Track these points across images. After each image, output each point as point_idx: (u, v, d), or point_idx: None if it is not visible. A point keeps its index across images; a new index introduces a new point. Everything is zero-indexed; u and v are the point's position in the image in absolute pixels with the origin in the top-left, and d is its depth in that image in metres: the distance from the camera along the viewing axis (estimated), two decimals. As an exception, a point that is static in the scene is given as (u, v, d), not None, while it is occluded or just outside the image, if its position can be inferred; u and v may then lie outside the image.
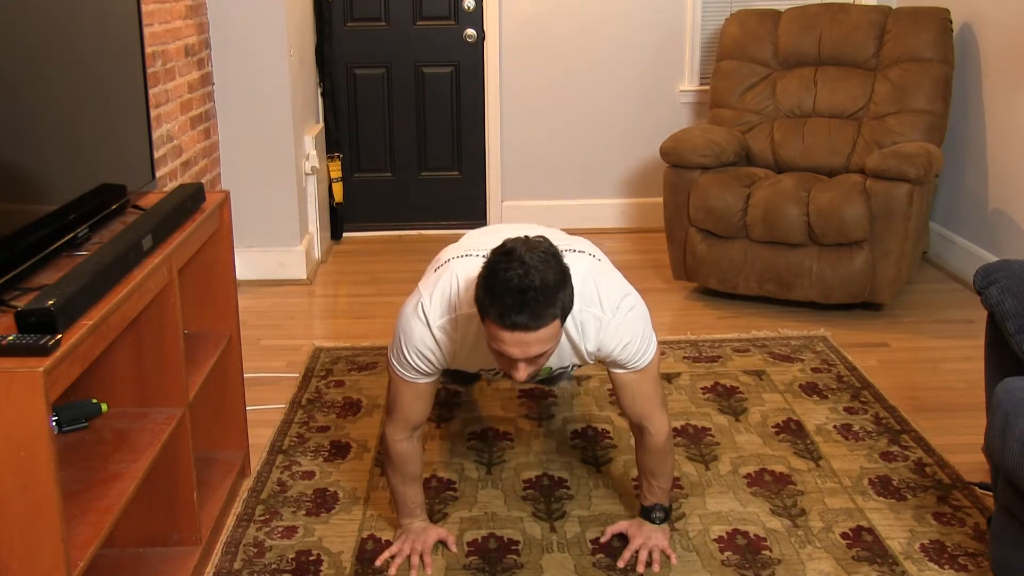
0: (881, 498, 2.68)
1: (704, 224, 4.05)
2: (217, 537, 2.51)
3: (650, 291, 3.94)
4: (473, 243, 2.40)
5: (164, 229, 2.20)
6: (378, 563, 2.42)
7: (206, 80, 4.15)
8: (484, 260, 2.01)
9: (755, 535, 2.52)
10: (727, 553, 2.45)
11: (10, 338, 1.59)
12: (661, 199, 4.35)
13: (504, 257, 1.96)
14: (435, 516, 2.60)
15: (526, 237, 2.02)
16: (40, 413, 1.57)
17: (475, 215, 5.31)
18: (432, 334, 2.22)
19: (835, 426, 3.08)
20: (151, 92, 3.39)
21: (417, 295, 2.28)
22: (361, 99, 5.14)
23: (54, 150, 2.00)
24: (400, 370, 2.30)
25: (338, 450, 2.94)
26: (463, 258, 2.27)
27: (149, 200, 2.46)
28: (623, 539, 2.50)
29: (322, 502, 2.68)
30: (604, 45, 5.09)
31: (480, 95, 5.15)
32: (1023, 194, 4.06)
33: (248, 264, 4.42)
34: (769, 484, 2.76)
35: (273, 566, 2.40)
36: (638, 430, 2.41)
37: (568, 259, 2.07)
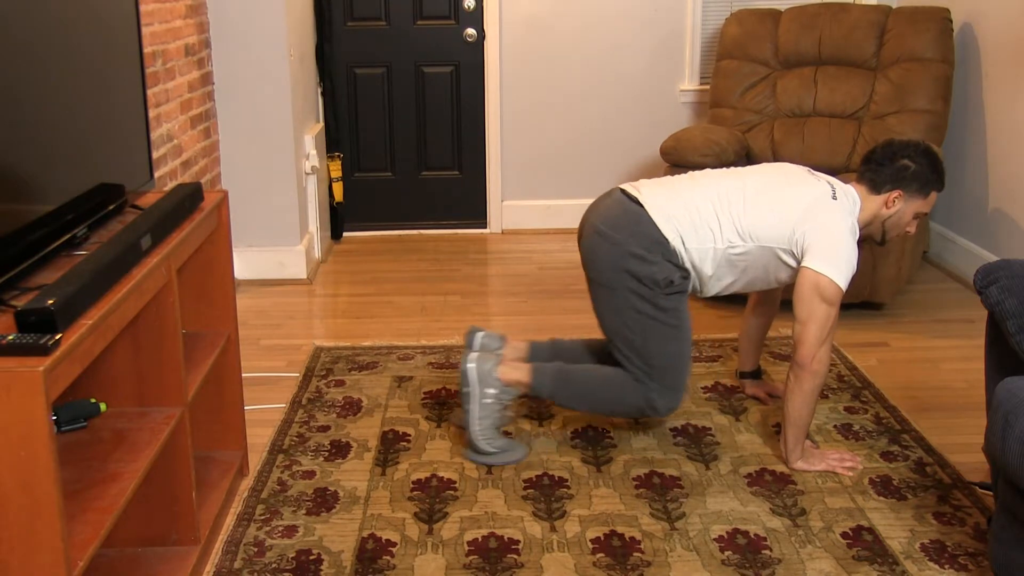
0: (881, 498, 2.68)
1: (704, 224, 4.05)
2: (216, 536, 2.51)
3: (650, 291, 3.93)
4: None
5: (163, 229, 2.20)
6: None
7: (206, 80, 4.15)
8: (913, 156, 2.80)
9: (755, 534, 2.52)
10: (727, 552, 2.45)
11: (10, 338, 1.59)
12: (661, 199, 4.36)
13: (930, 148, 2.85)
14: (435, 515, 2.60)
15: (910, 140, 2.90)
16: (40, 412, 1.57)
17: (475, 215, 5.31)
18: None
19: (835, 426, 3.08)
20: (151, 91, 3.39)
21: (835, 207, 2.74)
22: (361, 99, 5.14)
23: (52, 150, 1.99)
24: (847, 282, 2.67)
25: (338, 449, 2.94)
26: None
27: (148, 200, 2.46)
28: (621, 538, 2.50)
29: (322, 501, 2.68)
30: (604, 45, 5.09)
31: (480, 95, 5.15)
32: (1023, 194, 4.06)
33: (248, 264, 4.43)
34: (769, 484, 2.75)
35: (273, 565, 2.40)
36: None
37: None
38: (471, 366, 2.83)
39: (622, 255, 2.74)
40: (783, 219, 2.71)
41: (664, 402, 2.80)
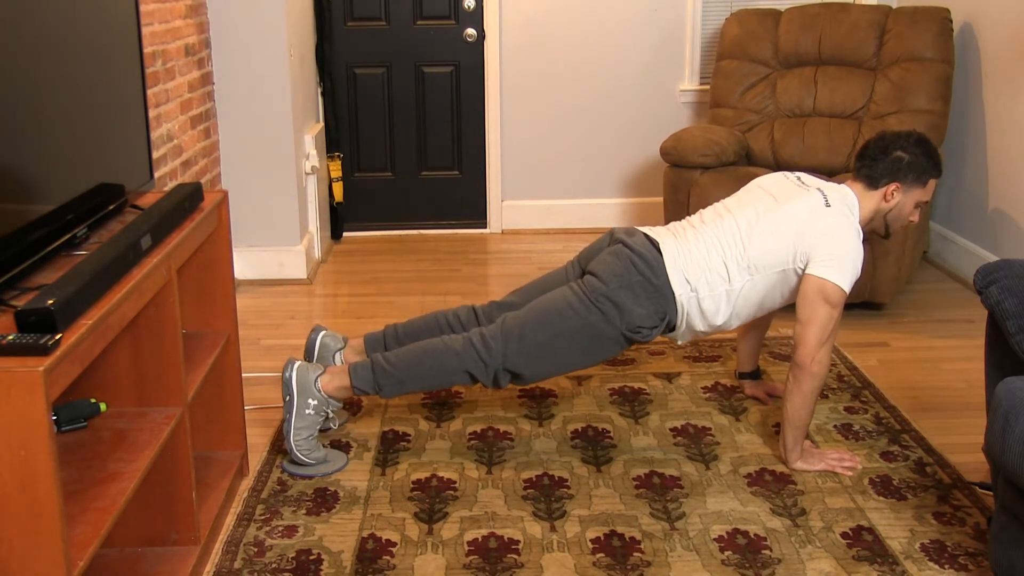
0: (881, 498, 2.68)
1: (704, 224, 4.04)
2: (216, 536, 2.51)
3: (650, 291, 3.92)
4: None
5: (163, 229, 2.20)
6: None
7: (206, 80, 4.15)
8: (906, 147, 2.80)
9: (755, 534, 2.52)
10: (727, 552, 2.45)
11: (10, 338, 1.59)
12: (661, 199, 4.36)
13: (923, 136, 2.85)
14: (435, 515, 2.60)
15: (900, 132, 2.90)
16: (40, 412, 1.57)
17: (475, 215, 5.31)
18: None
19: (835, 426, 3.08)
20: (151, 92, 3.39)
21: (837, 213, 2.73)
22: (361, 99, 5.14)
23: (52, 150, 1.99)
24: (852, 284, 2.68)
25: (339, 449, 2.94)
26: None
27: (148, 200, 2.46)
28: (621, 538, 2.50)
29: (322, 501, 2.68)
30: (604, 45, 5.09)
31: (480, 95, 5.15)
32: (1023, 194, 4.06)
33: (248, 264, 4.42)
34: (769, 484, 2.75)
35: (273, 565, 2.40)
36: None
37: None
38: (291, 375, 2.78)
39: (623, 283, 2.72)
40: (783, 242, 2.71)
41: (497, 371, 2.75)
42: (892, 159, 2.81)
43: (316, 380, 2.79)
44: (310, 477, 2.79)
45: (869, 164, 2.83)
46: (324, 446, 2.89)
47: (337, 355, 3.01)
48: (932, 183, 2.86)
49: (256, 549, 2.47)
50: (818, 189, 2.80)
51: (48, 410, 1.57)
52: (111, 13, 2.33)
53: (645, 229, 2.88)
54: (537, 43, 5.08)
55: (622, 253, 2.78)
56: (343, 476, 2.80)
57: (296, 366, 2.80)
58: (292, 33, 4.36)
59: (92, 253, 1.93)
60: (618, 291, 2.72)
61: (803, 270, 2.70)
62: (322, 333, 3.04)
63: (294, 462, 2.81)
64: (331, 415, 2.87)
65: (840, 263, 2.66)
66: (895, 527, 2.55)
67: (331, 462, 2.84)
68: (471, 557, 2.43)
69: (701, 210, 2.95)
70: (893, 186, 2.81)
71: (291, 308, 4.19)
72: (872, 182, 2.82)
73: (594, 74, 5.13)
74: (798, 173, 2.94)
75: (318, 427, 2.83)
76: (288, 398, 2.78)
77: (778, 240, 2.72)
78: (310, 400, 2.78)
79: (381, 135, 5.20)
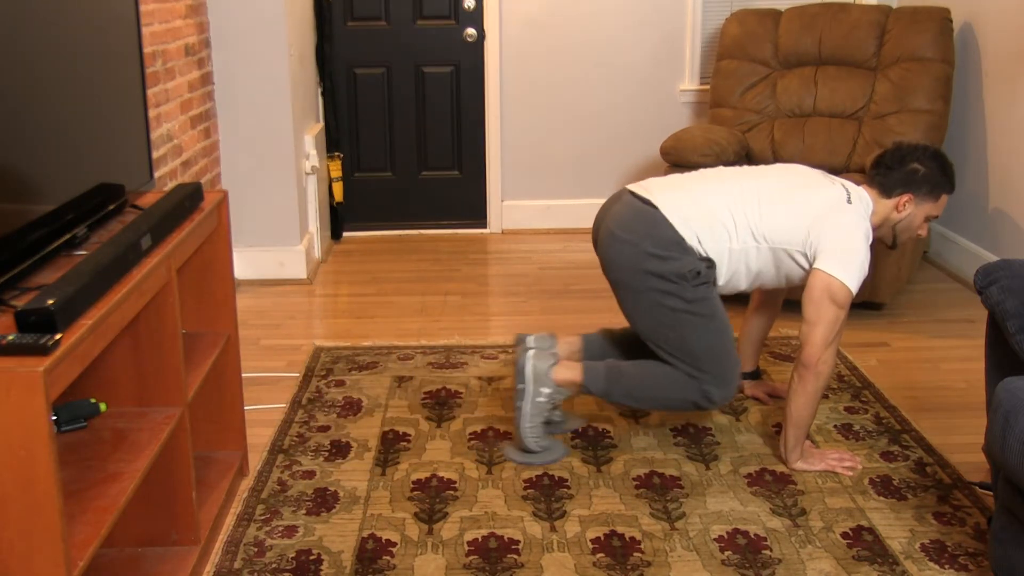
0: (881, 498, 2.68)
1: (704, 224, 4.04)
2: (215, 536, 2.51)
3: (650, 291, 3.92)
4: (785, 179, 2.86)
5: (163, 229, 2.20)
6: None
7: (206, 79, 4.15)
8: (922, 159, 2.80)
9: (755, 535, 2.52)
10: (727, 552, 2.45)
11: (10, 338, 1.59)
12: (661, 199, 4.35)
13: (939, 151, 2.87)
14: (435, 515, 2.60)
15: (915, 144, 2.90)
16: (40, 413, 1.57)
17: (475, 215, 5.31)
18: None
19: (836, 426, 3.08)
20: (151, 91, 3.39)
21: (849, 213, 2.72)
22: (361, 99, 5.14)
23: (52, 150, 1.99)
24: (859, 285, 2.67)
25: (339, 450, 2.94)
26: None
27: (148, 200, 2.46)
28: (621, 538, 2.50)
29: (322, 501, 2.68)
30: (604, 45, 5.09)
31: (480, 95, 5.15)
32: (1023, 194, 4.06)
33: (248, 263, 4.42)
34: (769, 484, 2.75)
35: (273, 565, 2.40)
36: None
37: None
38: (528, 363, 2.82)
39: (640, 256, 2.72)
40: (798, 222, 2.71)
41: (720, 393, 2.77)
42: (908, 170, 2.81)
43: (550, 370, 2.82)
44: (534, 464, 2.84)
45: (884, 173, 2.83)
46: (324, 446, 2.89)
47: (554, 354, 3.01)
48: (944, 198, 2.86)
49: (256, 549, 2.47)
50: (842, 185, 2.80)
51: (48, 410, 1.57)
52: (111, 13, 2.33)
53: (633, 187, 2.86)
54: (537, 43, 5.08)
55: (615, 233, 2.77)
56: (343, 476, 2.80)
57: (531, 354, 2.83)
58: (292, 33, 4.36)
59: (92, 253, 1.93)
60: (649, 269, 2.71)
61: (810, 260, 2.70)
62: (531, 337, 2.96)
63: (524, 450, 2.85)
64: (559, 403, 2.90)
65: (849, 261, 2.65)
66: (895, 527, 2.55)
67: (553, 451, 2.88)
68: (471, 557, 2.43)
69: (721, 167, 2.93)
70: (906, 197, 2.81)
71: (291, 308, 4.19)
72: (886, 191, 2.82)
73: (594, 74, 5.13)
74: (823, 171, 2.94)
75: (547, 415, 2.86)
76: (521, 386, 2.82)
77: (793, 219, 2.71)
78: (543, 388, 2.82)
79: (381, 135, 5.20)
